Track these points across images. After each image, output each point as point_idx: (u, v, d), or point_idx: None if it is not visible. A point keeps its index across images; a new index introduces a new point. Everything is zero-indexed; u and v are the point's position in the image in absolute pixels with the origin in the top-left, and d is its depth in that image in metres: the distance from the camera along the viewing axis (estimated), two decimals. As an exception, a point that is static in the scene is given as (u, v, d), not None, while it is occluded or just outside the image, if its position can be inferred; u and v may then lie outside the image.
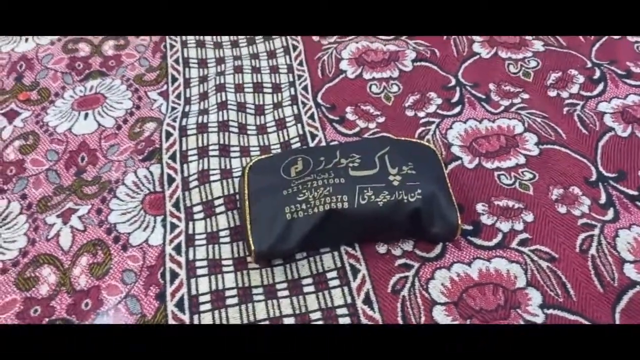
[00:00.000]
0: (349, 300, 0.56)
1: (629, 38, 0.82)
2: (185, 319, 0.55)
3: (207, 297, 0.57)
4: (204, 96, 0.79)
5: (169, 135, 0.73)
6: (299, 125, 0.74)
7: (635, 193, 0.63)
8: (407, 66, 0.82)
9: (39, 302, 0.58)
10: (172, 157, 0.70)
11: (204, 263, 0.60)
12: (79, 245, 0.62)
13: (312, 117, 0.75)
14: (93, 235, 0.63)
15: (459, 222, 0.57)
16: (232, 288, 0.57)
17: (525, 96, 0.76)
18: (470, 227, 0.61)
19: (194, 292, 0.57)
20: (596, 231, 0.60)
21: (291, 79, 0.81)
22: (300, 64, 0.84)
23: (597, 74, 0.77)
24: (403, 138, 0.66)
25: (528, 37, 0.84)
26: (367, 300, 0.56)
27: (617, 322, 0.53)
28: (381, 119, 0.75)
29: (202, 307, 0.56)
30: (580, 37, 0.84)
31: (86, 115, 0.78)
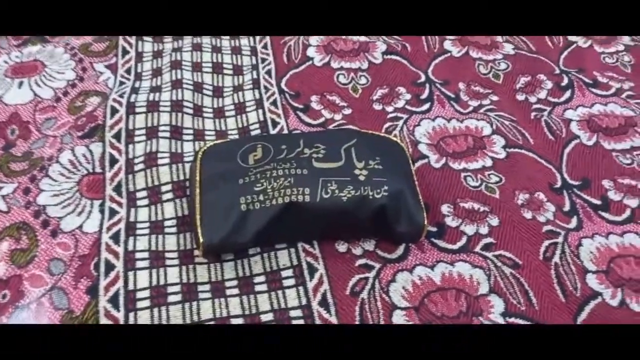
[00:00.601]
0: (304, 302, 0.52)
1: (596, 48, 0.82)
2: (120, 316, 0.49)
3: (146, 293, 0.51)
4: (157, 72, 0.72)
5: (114, 111, 0.66)
6: (260, 111, 0.69)
7: (599, 202, 0.62)
8: (377, 58, 0.78)
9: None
10: (117, 136, 0.64)
11: (145, 255, 0.53)
12: (0, 227, 0.55)
13: (274, 103, 0.70)
14: (18, 217, 0.56)
15: (426, 222, 0.53)
16: (176, 284, 0.52)
17: (495, 98, 0.74)
18: (434, 229, 0.59)
19: (131, 286, 0.51)
20: (560, 239, 0.58)
21: (254, 62, 0.76)
22: (265, 47, 0.79)
23: (565, 80, 0.77)
24: (370, 131, 0.62)
25: (499, 39, 0.83)
26: (323, 302, 0.52)
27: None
28: (347, 111, 0.71)
29: (140, 304, 0.50)
30: (549, 43, 0.83)
31: (21, 83, 0.70)
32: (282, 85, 0.73)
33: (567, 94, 0.75)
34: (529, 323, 0.52)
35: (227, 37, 0.79)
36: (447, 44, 0.82)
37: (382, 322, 0.51)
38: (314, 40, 0.80)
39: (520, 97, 0.75)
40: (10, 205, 0.56)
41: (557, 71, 0.79)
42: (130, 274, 0.52)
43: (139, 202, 0.58)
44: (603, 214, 0.61)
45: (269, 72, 0.75)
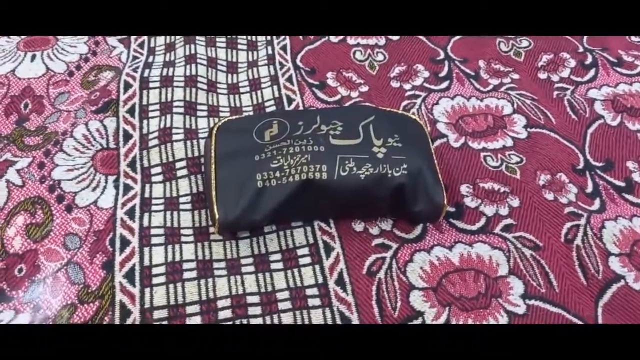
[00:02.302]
0: (320, 280, 0.51)
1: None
2: (135, 292, 0.49)
3: (162, 269, 0.50)
4: (170, 47, 0.71)
5: (128, 86, 0.65)
6: (275, 87, 0.67)
7: (622, 184, 0.61)
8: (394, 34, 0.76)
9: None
10: (131, 111, 0.63)
11: (160, 231, 0.53)
12: (15, 202, 0.54)
13: (289, 79, 0.69)
14: (33, 192, 0.55)
15: (445, 201, 0.52)
16: (191, 260, 0.51)
17: (515, 76, 0.72)
18: (453, 209, 0.57)
19: (147, 262, 0.51)
20: (582, 221, 0.57)
21: (269, 38, 0.74)
22: (280, 22, 0.77)
23: (589, 59, 0.74)
24: (388, 109, 0.60)
25: (521, 16, 0.80)
26: (340, 281, 0.51)
27: (599, 316, 0.50)
28: (364, 88, 0.69)
29: (155, 280, 0.50)
30: (573, 21, 0.80)
31: (33, 56, 0.69)
32: (298, 61, 0.72)
33: (591, 72, 0.73)
34: (554, 310, 0.51)
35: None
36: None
37: (399, 303, 0.50)
38: (330, 15, 0.78)
39: (542, 75, 0.73)
40: (25, 180, 0.56)
41: (581, 49, 0.76)
42: (146, 249, 0.52)
43: (153, 178, 0.57)
44: (627, 195, 0.60)
45: (284, 48, 0.73)
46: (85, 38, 0.72)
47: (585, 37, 0.78)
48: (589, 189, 0.60)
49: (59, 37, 0.71)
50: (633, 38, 0.78)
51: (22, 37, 0.71)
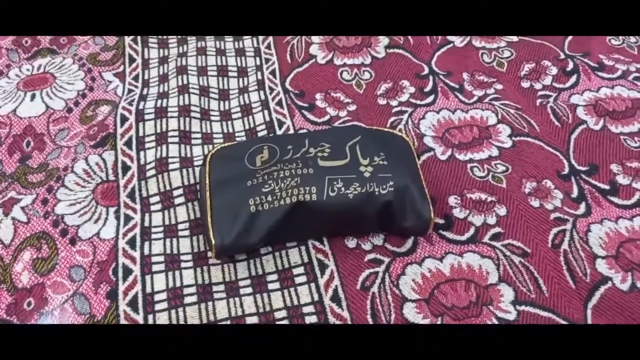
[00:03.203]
0: (316, 298, 0.53)
1: (601, 31, 0.81)
2: (139, 319, 0.51)
3: (164, 295, 0.52)
4: (163, 78, 0.74)
5: (124, 119, 0.68)
6: (266, 112, 0.70)
7: (607, 187, 0.62)
8: (380, 52, 0.79)
9: (-26, 301, 0.52)
10: (128, 144, 0.65)
11: (161, 258, 0.55)
12: (21, 238, 0.57)
13: (279, 103, 0.71)
14: (37, 227, 0.58)
15: (432, 215, 0.54)
16: (191, 285, 0.53)
17: (499, 87, 0.74)
18: (442, 221, 0.59)
19: (149, 289, 0.53)
20: (568, 226, 0.59)
21: (258, 63, 0.77)
22: (268, 47, 0.80)
23: (570, 65, 0.76)
24: (375, 127, 0.62)
25: (502, 27, 0.82)
26: (335, 298, 0.53)
27: (589, 318, 0.52)
28: (352, 107, 0.71)
29: (158, 306, 0.52)
30: (554, 28, 0.82)
31: (33, 96, 0.72)
32: (287, 84, 0.74)
33: (573, 78, 0.75)
34: (544, 315, 0.52)
35: (231, 39, 0.80)
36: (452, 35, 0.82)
37: (393, 315, 0.52)
38: (317, 38, 0.80)
39: (525, 84, 0.75)
40: (30, 216, 0.58)
41: (562, 56, 0.78)
42: (147, 277, 0.54)
43: (152, 207, 0.60)
44: (612, 198, 0.61)
45: (273, 73, 0.76)
46: (82, 75, 0.74)
47: (566, 43, 0.80)
48: (575, 194, 0.62)
49: (56, 75, 0.74)
50: (613, 41, 0.80)
51: (22, 77, 0.74)
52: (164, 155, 0.63)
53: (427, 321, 0.52)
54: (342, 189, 0.53)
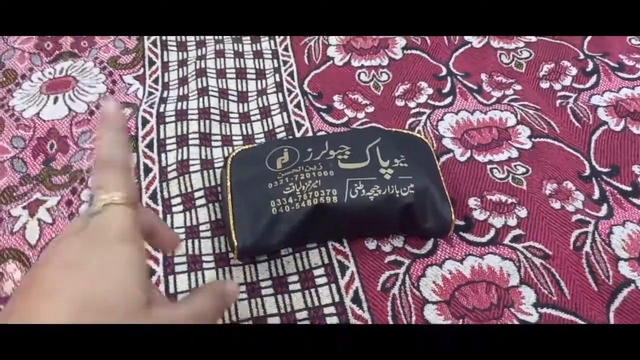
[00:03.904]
0: (336, 299, 0.53)
1: (622, 30, 0.80)
2: (163, 319, 0.52)
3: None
4: (183, 81, 0.75)
5: (145, 122, 0.69)
6: (285, 114, 0.70)
7: (629, 189, 0.62)
8: (397, 54, 0.79)
9: (3, 300, 0.53)
10: (149, 146, 0.66)
11: (183, 259, 0.56)
12: (47, 239, 0.58)
13: (298, 105, 0.72)
14: (63, 228, 0.59)
15: (453, 217, 0.54)
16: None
17: (518, 87, 0.74)
18: (462, 223, 0.59)
19: (172, 290, 0.54)
20: (590, 228, 0.58)
21: (276, 65, 0.78)
22: (286, 49, 0.80)
23: (590, 66, 0.76)
24: (394, 129, 0.63)
25: (520, 27, 0.82)
26: (356, 299, 0.53)
27: (611, 321, 0.52)
28: (370, 109, 0.72)
29: (181, 307, 0.52)
30: (573, 28, 0.82)
31: (56, 99, 0.73)
32: (305, 86, 0.75)
33: (593, 79, 0.74)
34: (566, 317, 0.52)
35: (249, 42, 0.81)
36: (467, 35, 0.81)
37: (414, 317, 0.52)
38: (334, 39, 0.81)
39: (545, 84, 0.74)
40: (55, 217, 0.60)
41: (582, 56, 0.77)
42: (171, 277, 0.55)
43: (174, 209, 0.60)
44: (634, 200, 0.61)
45: (291, 75, 0.76)
46: (103, 78, 0.76)
47: (585, 43, 0.79)
48: (596, 196, 0.61)
49: (78, 78, 0.76)
50: (634, 41, 0.79)
51: (45, 80, 0.75)
52: (184, 157, 0.64)
53: (448, 323, 0.52)
54: (363, 191, 0.53)
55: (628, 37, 0.80)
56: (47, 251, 0.34)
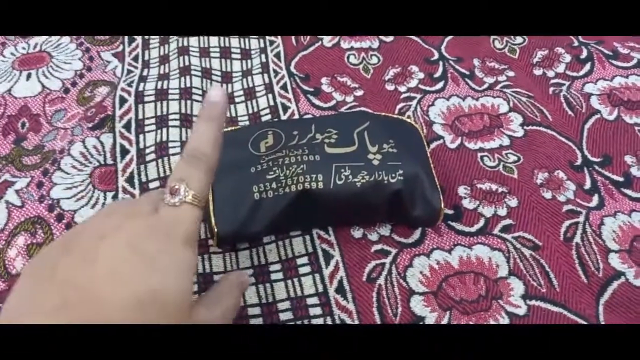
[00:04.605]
0: (320, 289, 0.51)
1: (617, 17, 0.79)
2: (138, 308, 0.49)
3: (163, 284, 0.51)
4: (164, 59, 0.71)
5: (123, 101, 0.65)
6: (270, 96, 0.68)
7: (621, 179, 0.60)
8: (388, 36, 0.76)
9: (-33, 287, 0.51)
10: (127, 126, 0.63)
11: (160, 245, 0.53)
12: (15, 223, 0.55)
13: (284, 87, 0.69)
14: (32, 212, 0.56)
15: (442, 205, 0.52)
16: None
17: (511, 74, 0.72)
18: (451, 212, 0.57)
19: (148, 278, 0.51)
20: (581, 218, 0.57)
21: (262, 45, 0.74)
22: (273, 28, 0.77)
23: (584, 53, 0.74)
24: (383, 114, 0.60)
25: (514, 12, 0.80)
26: (340, 289, 0.51)
27: (601, 314, 0.50)
28: (359, 92, 0.69)
29: (157, 295, 0.50)
30: (567, 14, 0.80)
31: (29, 75, 0.69)
32: (292, 68, 0.72)
33: (587, 67, 0.72)
34: (555, 310, 0.51)
35: (234, 20, 0.77)
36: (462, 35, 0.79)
37: (400, 308, 0.51)
38: (323, 20, 0.78)
39: (538, 71, 0.72)
40: (24, 200, 0.56)
41: (576, 43, 0.76)
42: (146, 265, 0.52)
43: (151, 193, 0.58)
44: (625, 190, 0.60)
45: (277, 55, 0.73)
46: (80, 54, 0.72)
47: (580, 30, 0.77)
48: (587, 186, 0.60)
49: (53, 54, 0.72)
50: (628, 29, 0.78)
51: (17, 55, 0.71)
52: (164, 139, 0.61)
53: (434, 315, 0.50)
54: (350, 177, 0.51)
55: (623, 25, 0.78)
56: (101, 218, 0.34)
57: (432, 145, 0.63)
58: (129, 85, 0.67)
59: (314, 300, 0.51)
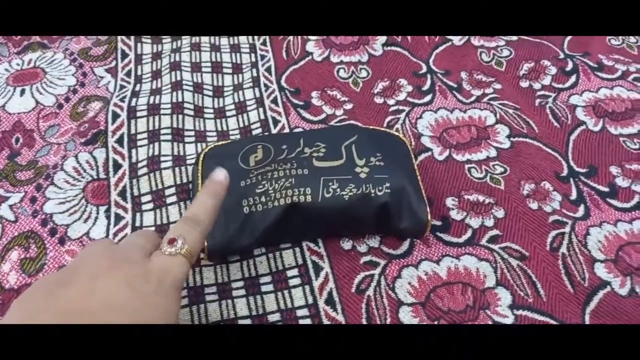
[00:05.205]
0: (310, 301, 0.52)
1: (601, 30, 0.80)
2: (129, 321, 0.50)
3: (154, 297, 0.51)
4: (156, 74, 0.72)
5: (116, 116, 0.66)
6: (261, 110, 0.69)
7: (606, 189, 0.61)
8: (377, 50, 0.78)
9: (-40, 302, 0.51)
10: (119, 141, 0.64)
11: (152, 259, 0.54)
12: (9, 237, 0.56)
13: (275, 101, 0.70)
14: (26, 226, 0.56)
15: (429, 217, 0.53)
16: (183, 288, 0.52)
17: (498, 86, 0.73)
18: (439, 223, 0.58)
19: (139, 291, 0.52)
20: (567, 229, 0.58)
21: (253, 59, 0.76)
22: (264, 43, 0.78)
23: (570, 65, 0.75)
24: (371, 127, 0.61)
25: (501, 25, 0.81)
26: (329, 301, 0.52)
27: (587, 323, 0.51)
28: (349, 106, 0.70)
29: (148, 309, 0.50)
30: (553, 27, 0.81)
31: (23, 91, 0.70)
32: (282, 82, 0.73)
33: (572, 79, 0.74)
34: (542, 319, 0.51)
35: (226, 35, 0.79)
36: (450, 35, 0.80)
37: (388, 319, 0.51)
38: (313, 35, 0.79)
39: (524, 84, 0.74)
40: (18, 215, 0.57)
41: (562, 56, 0.77)
42: (138, 279, 0.52)
43: (144, 207, 0.58)
44: (611, 201, 0.61)
45: (268, 69, 0.74)
46: (73, 70, 0.73)
47: (565, 42, 0.79)
48: (573, 196, 0.61)
49: (47, 70, 0.73)
50: (613, 41, 0.79)
51: (12, 71, 0.72)
52: (156, 153, 0.62)
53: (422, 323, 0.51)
54: (338, 190, 0.51)
55: (607, 38, 0.80)
56: (92, 259, 0.37)
57: (421, 157, 0.64)
58: (122, 100, 0.68)
59: (303, 311, 0.51)
